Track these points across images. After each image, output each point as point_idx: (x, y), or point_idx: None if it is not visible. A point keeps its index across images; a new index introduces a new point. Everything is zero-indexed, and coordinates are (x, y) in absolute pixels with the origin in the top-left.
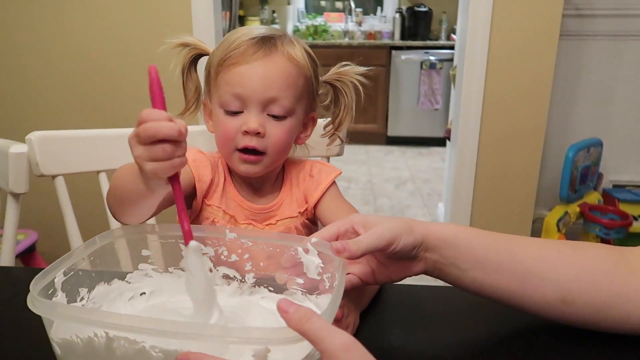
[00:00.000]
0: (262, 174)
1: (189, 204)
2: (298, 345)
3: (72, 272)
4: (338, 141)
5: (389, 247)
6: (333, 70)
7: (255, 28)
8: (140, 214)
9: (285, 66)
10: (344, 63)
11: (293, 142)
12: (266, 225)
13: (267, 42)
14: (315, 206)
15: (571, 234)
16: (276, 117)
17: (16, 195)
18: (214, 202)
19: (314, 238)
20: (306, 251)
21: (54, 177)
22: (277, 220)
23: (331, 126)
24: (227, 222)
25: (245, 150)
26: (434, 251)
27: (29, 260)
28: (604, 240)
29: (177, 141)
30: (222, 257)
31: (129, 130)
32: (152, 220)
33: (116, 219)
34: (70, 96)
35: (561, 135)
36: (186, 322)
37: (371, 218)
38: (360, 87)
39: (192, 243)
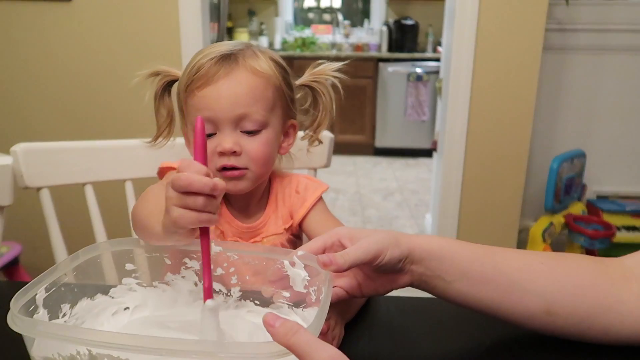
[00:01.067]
0: (250, 189)
1: None
2: (286, 358)
3: (54, 288)
4: (317, 143)
5: (375, 260)
6: (308, 71)
7: (216, 46)
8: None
9: (250, 80)
10: (318, 62)
11: (275, 153)
12: (252, 241)
13: (227, 60)
14: (300, 222)
15: (556, 245)
16: (250, 132)
17: (0, 208)
18: None
19: (300, 251)
20: (292, 264)
21: (38, 189)
22: (263, 237)
23: (310, 130)
24: (217, 237)
25: (226, 169)
26: (420, 264)
27: (12, 273)
28: (588, 251)
29: (211, 196)
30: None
31: (115, 143)
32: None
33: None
34: (54, 109)
35: (545, 147)
36: (171, 338)
37: (357, 231)
38: (339, 85)
39: (210, 302)
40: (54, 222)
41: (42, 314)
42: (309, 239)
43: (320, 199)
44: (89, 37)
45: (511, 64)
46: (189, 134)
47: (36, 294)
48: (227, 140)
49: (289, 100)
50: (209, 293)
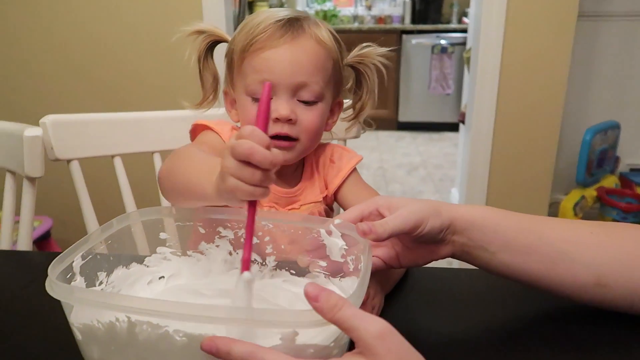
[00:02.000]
0: (295, 161)
1: None
2: (326, 328)
3: (90, 256)
4: (357, 127)
5: (415, 230)
6: (355, 52)
7: (277, 10)
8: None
9: (314, 49)
10: (365, 45)
11: (324, 127)
12: (289, 209)
13: (293, 25)
14: (335, 193)
15: (588, 218)
16: (306, 103)
17: (32, 180)
18: None
19: (337, 220)
20: (329, 233)
21: (68, 161)
22: (301, 205)
23: (352, 110)
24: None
25: (278, 137)
26: (462, 234)
27: (44, 247)
28: None
29: (267, 170)
30: (243, 239)
31: (144, 115)
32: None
33: (167, 200)
34: (80, 81)
35: (578, 118)
36: (211, 305)
37: (396, 200)
38: (383, 69)
39: (246, 274)
40: (85, 194)
41: (79, 281)
42: (343, 209)
43: (355, 169)
44: (115, 7)
45: (544, 32)
46: (241, 97)
47: (73, 262)
48: (284, 106)
49: (341, 76)
50: (247, 265)
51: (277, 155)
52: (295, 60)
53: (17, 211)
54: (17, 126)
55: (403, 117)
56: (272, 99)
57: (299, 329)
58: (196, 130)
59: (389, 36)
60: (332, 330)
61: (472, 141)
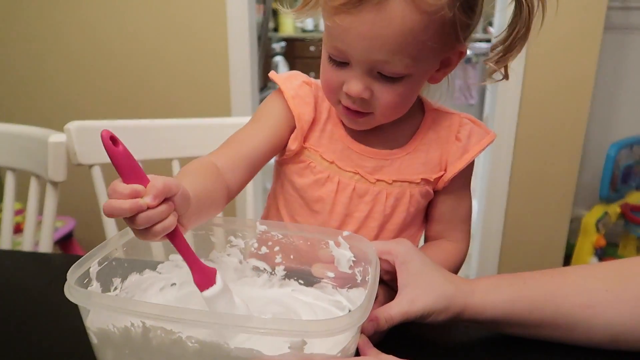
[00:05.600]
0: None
1: (282, 146)
2: (334, 337)
3: (106, 262)
4: (499, 75)
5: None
6: None
7: None
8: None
9: (405, 19)
10: None
11: (413, 99)
12: (377, 180)
13: None
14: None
15: (610, 236)
16: (388, 78)
17: (55, 184)
18: (311, 144)
19: (345, 232)
20: (338, 245)
21: (90, 166)
22: (393, 180)
23: (501, 47)
24: (326, 169)
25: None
26: (472, 319)
27: (67, 247)
28: None
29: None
30: (252, 249)
31: (163, 122)
32: None
33: None
34: (101, 89)
35: (602, 133)
36: (224, 313)
37: (413, 268)
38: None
39: (206, 292)
40: (105, 199)
41: (95, 286)
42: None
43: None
44: (140, 15)
45: (569, 45)
46: (323, 54)
47: (90, 267)
48: (356, 83)
49: (461, 29)
50: (202, 285)
51: (144, 199)
52: (375, 34)
53: (39, 212)
54: (42, 132)
55: None
56: (348, 64)
57: (307, 338)
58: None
59: None
60: (339, 340)
61: (492, 153)
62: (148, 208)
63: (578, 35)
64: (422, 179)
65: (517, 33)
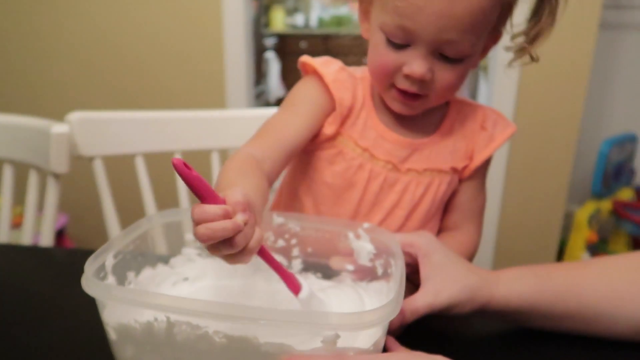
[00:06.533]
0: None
1: (317, 129)
2: (367, 331)
3: (121, 256)
4: (526, 59)
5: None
6: None
7: None
8: None
9: None
10: None
11: (466, 79)
12: (408, 170)
13: None
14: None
15: (603, 231)
16: (449, 59)
17: (57, 176)
18: (346, 130)
19: (366, 224)
20: (357, 237)
21: (91, 159)
22: (424, 169)
23: (524, 37)
24: (359, 157)
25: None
26: (497, 311)
27: (59, 244)
28: (636, 238)
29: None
30: (269, 242)
31: (166, 114)
32: None
33: None
34: (102, 80)
35: (595, 129)
36: (253, 306)
37: (436, 260)
38: None
39: (302, 294)
40: (107, 192)
41: (110, 280)
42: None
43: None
44: (136, 11)
45: (564, 42)
46: (374, 29)
47: (106, 261)
48: (420, 64)
49: (510, 11)
50: (294, 290)
51: (240, 218)
52: (446, 12)
53: (38, 206)
54: (43, 122)
55: None
56: (408, 46)
57: (340, 331)
58: (304, 70)
59: None
60: (371, 333)
61: None
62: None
63: (573, 33)
64: (451, 167)
65: (542, 22)
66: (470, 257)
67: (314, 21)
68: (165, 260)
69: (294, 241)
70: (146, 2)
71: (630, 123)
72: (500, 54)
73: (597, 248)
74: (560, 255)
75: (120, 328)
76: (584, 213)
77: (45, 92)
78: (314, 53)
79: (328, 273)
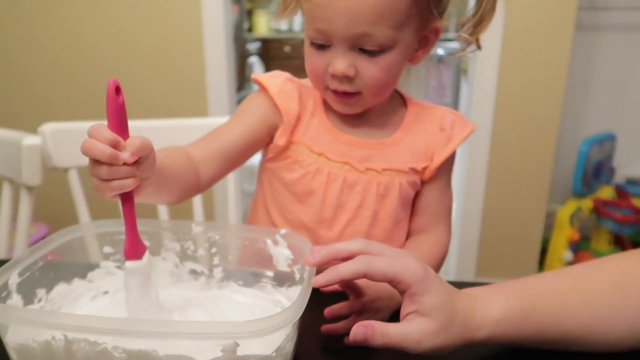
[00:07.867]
0: (363, 110)
1: (260, 143)
2: (268, 337)
3: (29, 273)
4: (473, 47)
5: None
6: None
7: None
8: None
9: None
10: None
11: (398, 75)
12: (366, 169)
13: None
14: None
15: (584, 229)
16: (370, 53)
17: (30, 188)
18: (298, 138)
19: (283, 230)
20: (275, 243)
21: (66, 169)
22: (383, 169)
23: (470, 24)
24: (315, 162)
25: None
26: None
27: None
28: (617, 236)
29: (112, 165)
30: (189, 251)
31: (142, 123)
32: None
33: None
34: (77, 89)
35: (574, 129)
36: (150, 319)
37: (426, 304)
38: None
39: (128, 263)
40: (82, 203)
41: (15, 299)
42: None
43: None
44: (113, 15)
45: (541, 44)
46: (305, 44)
47: (8, 280)
48: (340, 61)
49: (434, 2)
50: (129, 255)
51: (122, 154)
52: (352, 8)
53: (13, 218)
54: (15, 134)
55: None
56: (329, 46)
57: (239, 340)
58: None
59: None
60: (273, 340)
61: (469, 150)
62: (124, 164)
63: (550, 35)
64: (410, 168)
65: (485, 7)
66: (442, 257)
67: (297, 25)
68: (82, 274)
69: (214, 250)
70: (124, 8)
71: (608, 122)
72: (478, 56)
73: (579, 246)
74: (543, 254)
75: (21, 349)
76: (565, 212)
77: (20, 102)
78: (298, 57)
79: (250, 280)
